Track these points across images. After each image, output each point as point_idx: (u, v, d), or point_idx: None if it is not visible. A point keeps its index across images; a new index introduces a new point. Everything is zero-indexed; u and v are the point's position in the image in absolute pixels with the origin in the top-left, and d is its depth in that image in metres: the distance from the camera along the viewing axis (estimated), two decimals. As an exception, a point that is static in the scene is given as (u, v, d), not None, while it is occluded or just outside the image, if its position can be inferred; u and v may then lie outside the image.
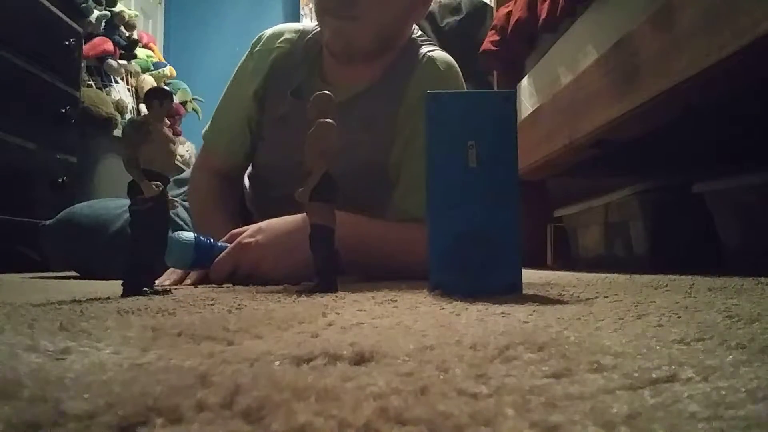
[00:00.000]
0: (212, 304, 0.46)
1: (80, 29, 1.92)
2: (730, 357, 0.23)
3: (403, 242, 0.84)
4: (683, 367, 0.21)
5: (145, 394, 0.17)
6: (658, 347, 0.25)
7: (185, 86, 2.92)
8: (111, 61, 2.30)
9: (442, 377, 0.20)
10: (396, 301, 0.48)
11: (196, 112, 2.98)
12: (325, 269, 0.58)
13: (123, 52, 2.43)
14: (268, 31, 1.06)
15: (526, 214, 1.70)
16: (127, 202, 0.55)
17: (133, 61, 2.51)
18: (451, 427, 0.15)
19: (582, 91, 1.26)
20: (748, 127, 1.25)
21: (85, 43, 2.09)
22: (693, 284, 0.64)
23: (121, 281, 0.54)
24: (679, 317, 0.35)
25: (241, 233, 0.80)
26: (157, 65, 2.76)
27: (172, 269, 0.82)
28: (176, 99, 2.77)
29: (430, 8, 1.05)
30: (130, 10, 2.54)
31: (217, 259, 0.76)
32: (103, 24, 2.23)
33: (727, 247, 1.05)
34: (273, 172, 1.01)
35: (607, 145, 1.28)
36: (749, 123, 1.23)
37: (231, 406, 0.16)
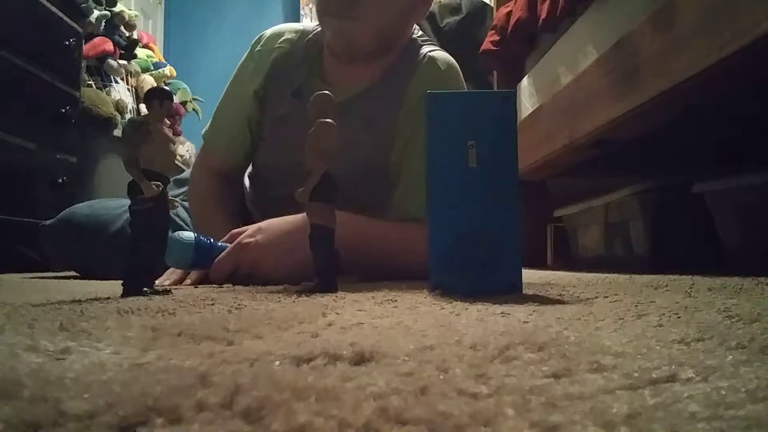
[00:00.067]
0: (212, 304, 0.46)
1: (80, 29, 1.92)
2: (730, 357, 0.23)
3: (403, 242, 0.84)
4: (683, 367, 0.21)
5: (145, 394, 0.17)
6: (658, 347, 0.25)
7: (185, 86, 2.92)
8: (111, 61, 2.30)
9: (442, 377, 0.20)
10: (396, 301, 0.48)
11: (196, 112, 2.98)
12: (325, 269, 0.58)
13: (123, 52, 2.43)
14: (269, 31, 1.06)
15: (526, 214, 1.70)
16: (127, 202, 0.55)
17: (133, 61, 2.51)
18: (451, 427, 0.15)
19: (582, 91, 1.26)
20: (748, 127, 1.25)
21: (85, 43, 2.09)
22: (693, 284, 0.64)
23: (121, 281, 0.54)
24: (679, 317, 0.35)
25: (241, 233, 0.80)
26: (157, 65, 2.76)
27: (172, 269, 0.82)
28: (176, 99, 2.77)
29: (430, 8, 1.05)
30: (130, 10, 2.54)
31: (217, 259, 0.76)
32: (103, 24, 2.23)
33: (727, 247, 1.05)
34: (273, 172, 1.01)
35: (607, 145, 1.28)
36: (749, 123, 1.23)
37: (231, 406, 0.16)
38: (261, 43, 1.04)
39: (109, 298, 0.52)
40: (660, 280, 0.75)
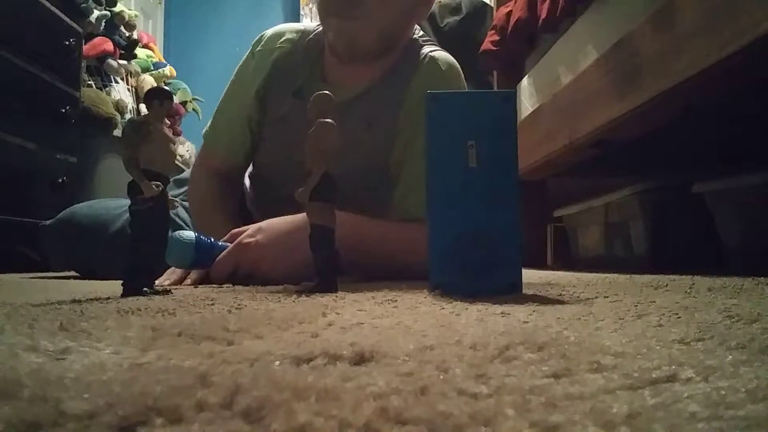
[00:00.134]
0: (212, 304, 0.46)
1: (80, 29, 1.92)
2: (730, 357, 0.23)
3: (403, 242, 0.84)
4: (683, 367, 0.21)
5: (145, 394, 0.17)
6: (658, 347, 0.25)
7: (185, 86, 2.92)
8: (111, 61, 2.30)
9: (442, 377, 0.20)
10: (396, 301, 0.48)
11: (196, 112, 2.98)
12: (325, 269, 0.58)
13: (123, 52, 2.43)
14: (270, 31, 1.06)
15: (526, 214, 1.70)
16: (127, 202, 0.55)
17: (133, 61, 2.51)
18: (451, 427, 0.15)
19: (582, 91, 1.26)
20: (748, 127, 1.25)
21: (85, 43, 2.09)
22: (693, 284, 0.64)
23: (121, 281, 0.54)
24: (679, 317, 0.35)
25: (241, 233, 0.80)
26: (157, 65, 2.76)
27: (172, 269, 0.82)
28: (176, 99, 2.77)
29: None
30: (130, 10, 2.54)
31: (217, 259, 0.76)
32: (103, 24, 2.23)
33: (727, 247, 1.05)
34: (274, 172, 1.01)
35: (607, 145, 1.28)
36: (749, 123, 1.23)
37: (231, 406, 0.16)
38: (262, 43, 1.04)
39: (109, 298, 0.52)
40: (660, 280, 0.75)
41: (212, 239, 0.78)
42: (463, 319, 0.36)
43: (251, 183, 1.11)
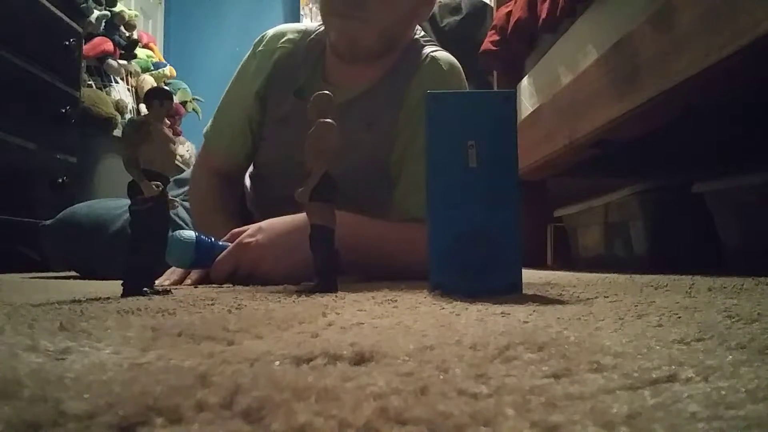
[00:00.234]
0: (212, 304, 0.46)
1: (80, 29, 1.92)
2: (730, 357, 0.23)
3: (403, 242, 0.84)
4: (683, 367, 0.21)
5: (145, 394, 0.17)
6: (658, 347, 0.25)
7: (185, 86, 2.92)
8: (111, 61, 2.30)
9: (442, 377, 0.20)
10: (396, 301, 0.48)
11: (196, 112, 2.98)
12: (325, 269, 0.58)
13: (123, 52, 2.43)
14: (271, 31, 1.06)
15: (526, 214, 1.69)
16: (127, 202, 0.55)
17: (133, 61, 2.51)
18: (451, 427, 0.15)
19: (582, 91, 1.26)
20: (748, 127, 1.25)
21: (85, 43, 2.09)
22: (693, 284, 0.64)
23: (121, 281, 0.54)
24: (679, 317, 0.35)
25: (241, 233, 0.80)
26: (157, 65, 2.76)
27: (172, 269, 0.82)
28: (176, 99, 2.77)
29: (430, 8, 1.05)
30: (130, 10, 2.54)
31: (217, 259, 0.76)
32: (103, 24, 2.23)
33: (727, 247, 1.05)
34: (274, 172, 1.01)
35: (607, 145, 1.28)
36: (749, 123, 1.23)
37: (231, 406, 0.16)
38: (263, 43, 1.05)
39: (109, 298, 0.52)
40: (660, 280, 0.75)
41: (212, 239, 0.78)
42: (463, 319, 0.36)
43: (251, 183, 1.11)
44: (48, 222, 1.14)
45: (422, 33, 1.05)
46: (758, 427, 0.15)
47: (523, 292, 0.56)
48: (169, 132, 0.57)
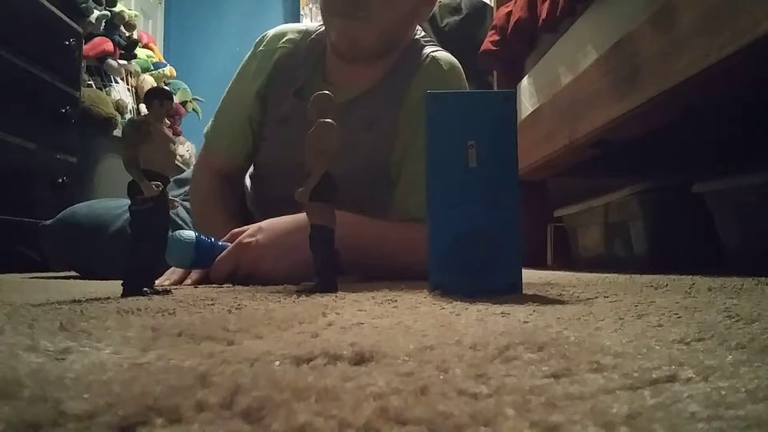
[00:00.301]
0: (212, 304, 0.46)
1: (80, 29, 1.92)
2: (730, 357, 0.23)
3: (403, 242, 0.84)
4: (683, 367, 0.21)
5: (145, 394, 0.17)
6: (658, 347, 0.25)
7: (185, 86, 2.92)
8: (111, 61, 2.30)
9: (442, 377, 0.20)
10: (396, 301, 0.48)
11: (196, 112, 2.98)
12: (325, 269, 0.58)
13: (123, 52, 2.43)
14: (271, 32, 1.06)
15: (526, 214, 1.70)
16: (127, 202, 0.55)
17: (133, 61, 2.51)
18: (451, 427, 0.15)
19: (582, 91, 1.26)
20: (748, 127, 1.25)
21: (85, 43, 2.09)
22: (693, 284, 0.64)
23: (121, 281, 0.54)
24: (679, 317, 0.35)
25: (241, 233, 0.80)
26: (157, 65, 2.76)
27: (172, 269, 0.82)
28: (176, 99, 2.77)
29: (430, 8, 1.05)
30: (130, 10, 2.55)
31: (217, 259, 0.76)
32: (103, 24, 2.23)
33: (727, 247, 1.05)
34: (274, 173, 1.01)
35: (607, 145, 1.28)
36: (749, 123, 1.23)
37: (231, 406, 0.16)
38: (264, 43, 1.05)
39: (109, 298, 0.52)
40: (660, 280, 0.75)
41: (212, 239, 0.78)
42: (463, 319, 0.36)
43: (252, 183, 1.11)
44: (48, 222, 1.14)
45: (422, 33, 1.05)
46: (758, 427, 0.15)
47: (523, 292, 0.55)
48: (169, 132, 0.57)
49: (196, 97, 2.98)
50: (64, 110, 1.74)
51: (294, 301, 0.48)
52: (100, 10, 2.20)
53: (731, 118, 1.21)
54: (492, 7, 2.26)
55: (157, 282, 0.63)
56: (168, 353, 0.24)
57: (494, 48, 1.86)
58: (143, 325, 0.32)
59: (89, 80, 2.21)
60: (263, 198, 1.06)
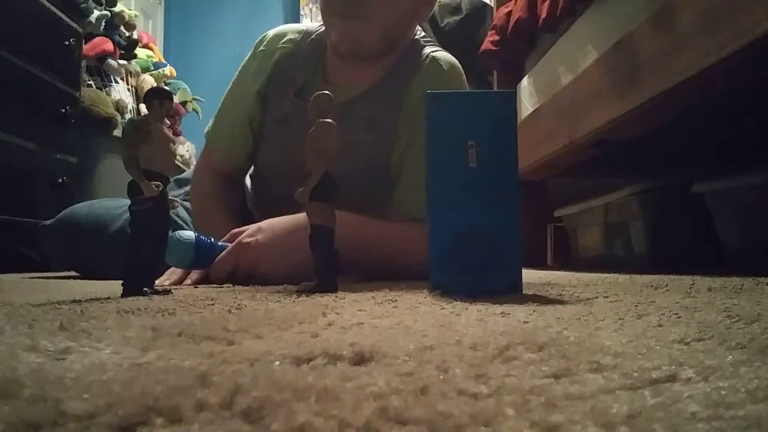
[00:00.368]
0: (212, 304, 0.46)
1: (80, 29, 1.92)
2: (730, 357, 0.23)
3: (403, 242, 0.84)
4: (683, 367, 0.21)
5: (145, 394, 0.17)
6: (658, 347, 0.25)
7: (185, 86, 2.92)
8: (111, 61, 2.30)
9: (442, 377, 0.20)
10: (396, 301, 0.48)
11: (196, 112, 2.98)
12: (325, 269, 0.58)
13: (123, 52, 2.43)
14: (272, 32, 1.07)
15: (526, 214, 1.70)
16: (127, 202, 0.55)
17: (133, 61, 2.51)
18: (451, 427, 0.15)
19: (582, 91, 1.26)
20: (748, 127, 1.25)
21: (85, 43, 2.09)
22: (693, 284, 0.64)
23: (121, 281, 0.54)
24: (679, 317, 0.35)
25: (241, 233, 0.80)
26: (157, 65, 2.76)
27: (172, 269, 0.82)
28: (176, 99, 2.77)
29: (430, 8, 1.05)
30: (130, 10, 2.54)
31: (217, 259, 0.76)
32: (103, 24, 2.23)
33: (727, 247, 1.05)
34: (274, 173, 1.01)
35: (607, 145, 1.28)
36: (749, 123, 1.23)
37: (231, 406, 0.16)
38: (264, 43, 1.05)
39: (109, 298, 0.52)
40: (660, 280, 0.75)
41: (212, 239, 0.78)
42: (463, 319, 0.36)
43: (252, 183, 1.11)
44: (48, 222, 1.14)
45: (422, 33, 1.05)
46: (758, 427, 0.15)
47: (523, 292, 0.55)
48: (169, 132, 0.57)
49: (196, 97, 2.98)
50: (64, 110, 1.74)
51: (294, 301, 0.48)
52: (100, 10, 2.20)
53: (731, 118, 1.21)
54: (492, 7, 2.26)
55: (157, 282, 0.63)
56: (168, 353, 0.24)
57: (494, 48, 1.86)
58: (143, 325, 0.32)
59: (89, 80, 2.21)
60: (263, 198, 1.06)
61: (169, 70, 2.79)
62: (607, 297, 0.50)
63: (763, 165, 0.94)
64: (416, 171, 0.86)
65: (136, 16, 2.58)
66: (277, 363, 0.22)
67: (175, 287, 0.71)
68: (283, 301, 0.49)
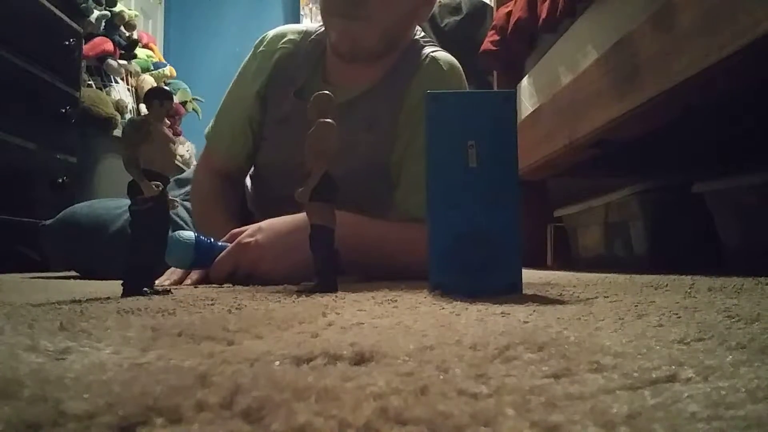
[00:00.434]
0: (212, 304, 0.46)
1: (80, 29, 1.92)
2: (730, 357, 0.23)
3: (403, 242, 0.84)
4: (683, 367, 0.21)
5: (145, 394, 0.17)
6: (658, 347, 0.25)
7: (185, 86, 2.92)
8: (111, 61, 2.30)
9: (442, 377, 0.20)
10: (396, 301, 0.48)
11: (196, 112, 2.98)
12: (325, 269, 0.58)
13: (123, 52, 2.43)
14: (272, 32, 1.07)
15: (526, 214, 1.70)
16: (127, 202, 0.55)
17: (133, 61, 2.51)
18: (451, 427, 0.15)
19: (582, 91, 1.26)
20: (748, 127, 1.25)
21: (85, 43, 2.09)
22: (693, 284, 0.64)
23: (121, 281, 0.54)
24: (679, 317, 0.35)
25: (241, 233, 0.80)
26: (157, 65, 2.76)
27: (172, 269, 0.82)
28: (176, 99, 2.77)
29: (430, 8, 1.05)
30: (130, 10, 2.54)
31: (217, 259, 0.76)
32: (103, 24, 2.23)
33: (727, 247, 1.05)
34: (275, 173, 1.01)
35: (607, 145, 1.28)
36: (749, 123, 1.23)
37: (231, 406, 0.16)
38: (264, 43, 1.05)
39: (109, 298, 0.52)
40: (660, 280, 0.75)
41: (212, 239, 0.79)
42: (463, 319, 0.36)
43: (252, 183, 1.11)
44: (48, 222, 1.14)
45: (422, 33, 1.05)
46: (758, 427, 0.15)
47: (523, 292, 0.55)
48: (169, 132, 0.57)
49: (196, 97, 2.98)
50: (64, 110, 1.74)
51: (294, 301, 0.48)
52: (100, 10, 2.20)
53: (731, 118, 1.21)
54: (492, 7, 2.26)
55: (157, 282, 0.63)
56: (168, 353, 0.24)
57: (494, 48, 1.86)
58: (143, 325, 0.32)
59: (89, 80, 2.21)
60: (263, 198, 1.06)
61: (169, 70, 2.79)
62: (607, 297, 0.50)
63: (763, 165, 0.94)
64: (416, 171, 0.86)
65: (136, 16, 2.58)
66: (277, 363, 0.22)
67: (175, 287, 0.71)
68: (283, 301, 0.49)
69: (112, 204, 1.13)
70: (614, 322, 0.33)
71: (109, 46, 2.27)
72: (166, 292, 0.57)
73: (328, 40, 0.98)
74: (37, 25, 1.65)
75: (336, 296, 0.53)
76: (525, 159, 1.57)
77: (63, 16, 1.78)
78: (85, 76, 2.14)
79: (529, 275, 0.88)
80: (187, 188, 1.15)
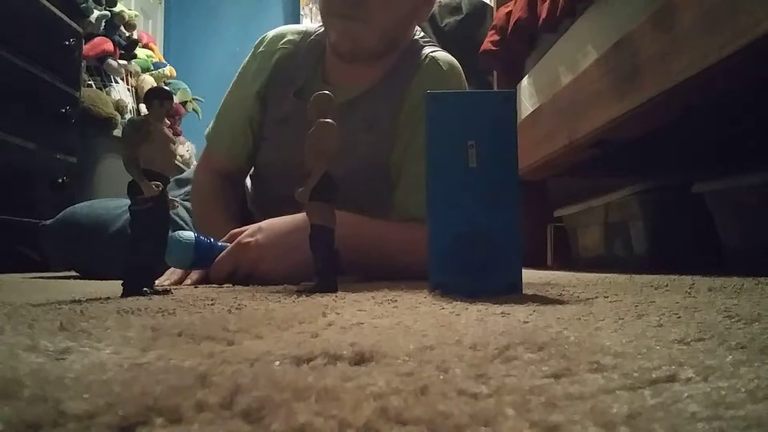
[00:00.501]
0: (212, 304, 0.46)
1: (80, 29, 1.92)
2: (730, 357, 0.23)
3: (403, 242, 0.84)
4: (683, 367, 0.21)
5: (145, 394, 0.17)
6: (658, 347, 0.25)
7: (185, 86, 2.92)
8: (111, 61, 2.30)
9: (442, 377, 0.20)
10: (396, 301, 0.48)
11: (196, 112, 2.98)
12: (325, 269, 0.58)
13: (123, 52, 2.43)
14: (271, 33, 1.07)
15: (526, 214, 1.70)
16: (127, 202, 0.55)
17: (133, 61, 2.51)
18: (451, 427, 0.15)
19: (582, 91, 1.26)
20: (748, 127, 1.25)
21: (85, 43, 2.09)
22: (693, 284, 0.64)
23: (121, 281, 0.54)
24: (679, 317, 0.35)
25: (241, 233, 0.80)
26: (157, 65, 2.76)
27: (172, 269, 0.82)
28: (176, 99, 2.77)
29: (430, 8, 1.05)
30: (130, 10, 2.54)
31: (216, 259, 0.76)
32: (103, 24, 2.23)
33: (727, 247, 1.05)
34: (275, 173, 1.01)
35: (607, 145, 1.28)
36: (749, 123, 1.23)
37: (231, 406, 0.16)
38: (264, 44, 1.05)
39: (109, 298, 0.52)
40: (660, 280, 0.75)
41: (212, 239, 0.78)
42: (463, 319, 0.36)
43: (252, 183, 1.11)
44: (48, 222, 1.14)
45: (422, 33, 1.05)
46: (758, 427, 0.15)
47: (523, 292, 0.55)
48: (169, 132, 0.57)
49: (196, 97, 2.98)
50: (64, 110, 1.74)
51: (294, 301, 0.48)
52: (100, 10, 2.20)
53: (731, 118, 1.21)
54: (492, 7, 2.26)
55: (157, 282, 0.63)
56: (168, 353, 0.24)
57: (494, 48, 1.86)
58: (143, 325, 0.32)
59: (89, 80, 2.21)
60: (263, 198, 1.06)
61: (169, 70, 2.79)
62: (607, 297, 0.50)
63: (763, 165, 0.94)
64: (416, 171, 0.86)
65: (136, 16, 2.58)
66: (277, 363, 0.22)
67: (175, 287, 0.71)
68: (283, 301, 0.49)
69: (112, 204, 1.13)
70: (614, 322, 0.33)
71: (109, 46, 2.27)
72: (166, 292, 0.57)
73: (328, 41, 0.98)
74: (37, 25, 1.65)
75: (336, 296, 0.53)
76: (525, 159, 1.57)
77: (63, 16, 1.78)
78: (85, 76, 2.14)
79: (529, 275, 0.88)
80: (187, 188, 1.15)
